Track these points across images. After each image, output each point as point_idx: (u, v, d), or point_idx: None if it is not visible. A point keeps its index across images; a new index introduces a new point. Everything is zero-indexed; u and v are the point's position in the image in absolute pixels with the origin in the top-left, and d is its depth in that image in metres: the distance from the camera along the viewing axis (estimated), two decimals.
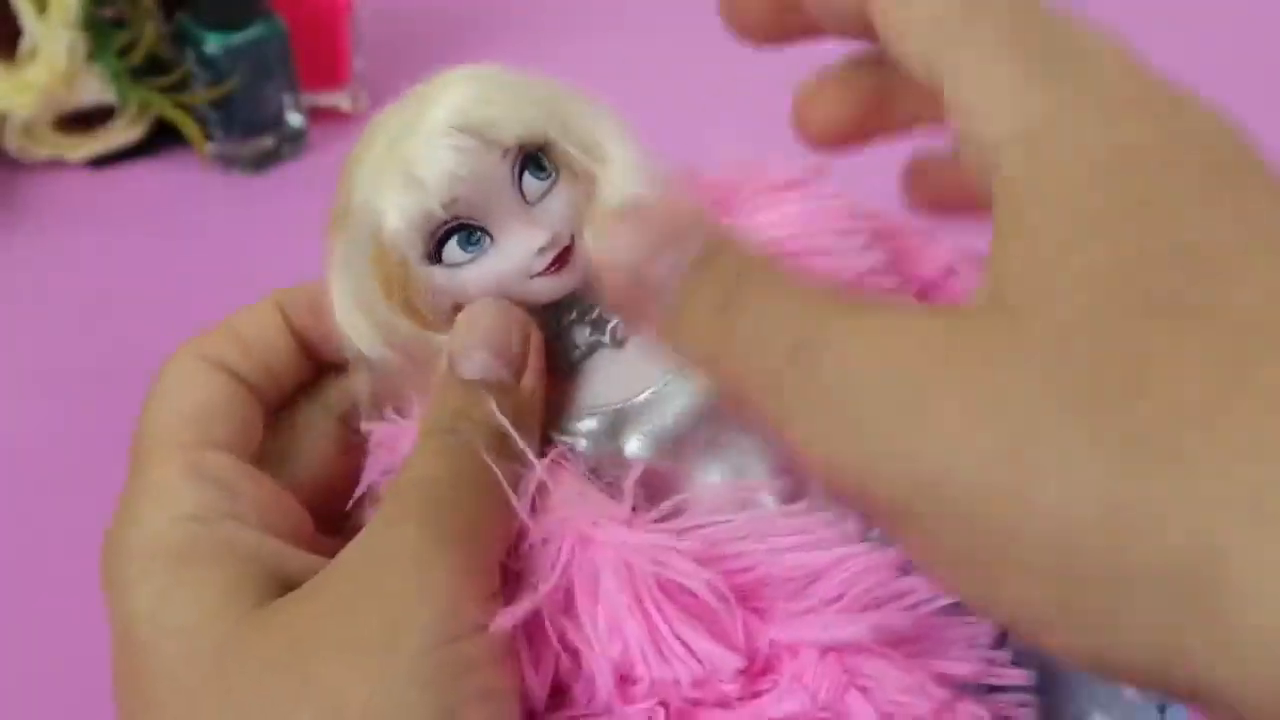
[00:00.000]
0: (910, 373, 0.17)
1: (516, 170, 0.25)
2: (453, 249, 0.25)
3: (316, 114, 0.54)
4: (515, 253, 0.25)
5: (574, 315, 0.26)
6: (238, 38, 0.48)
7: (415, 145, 0.24)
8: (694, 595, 0.23)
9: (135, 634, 0.23)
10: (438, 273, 0.25)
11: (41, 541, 0.38)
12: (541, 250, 0.25)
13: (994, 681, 0.24)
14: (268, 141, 0.52)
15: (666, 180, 0.26)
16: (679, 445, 0.26)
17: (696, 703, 0.23)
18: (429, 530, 0.22)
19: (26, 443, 0.42)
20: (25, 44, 0.48)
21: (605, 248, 0.21)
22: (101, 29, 0.49)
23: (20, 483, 0.40)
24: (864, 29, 0.22)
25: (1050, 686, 0.27)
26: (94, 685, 0.35)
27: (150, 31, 0.49)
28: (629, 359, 0.26)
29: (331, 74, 0.54)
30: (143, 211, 0.51)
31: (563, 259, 0.25)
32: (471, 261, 0.25)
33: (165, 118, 0.51)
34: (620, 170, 0.26)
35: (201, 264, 0.48)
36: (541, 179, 0.25)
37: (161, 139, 0.52)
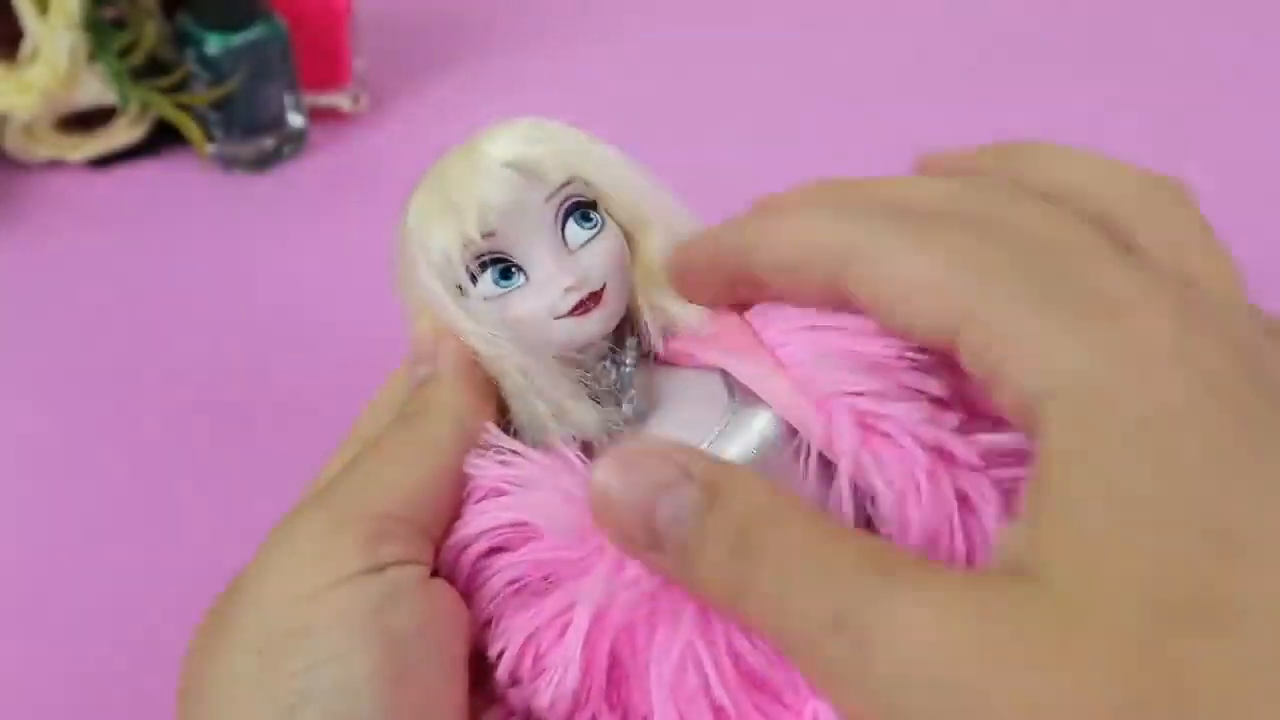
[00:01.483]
0: (964, 679, 0.18)
1: (561, 215, 0.26)
2: (487, 281, 0.26)
3: (317, 114, 0.54)
4: (543, 291, 0.26)
5: (602, 374, 0.27)
6: (238, 38, 0.49)
7: (462, 176, 0.25)
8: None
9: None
10: (473, 302, 0.26)
11: (40, 537, 0.39)
12: (568, 290, 0.25)
13: None
14: (268, 142, 0.52)
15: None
16: None
17: None
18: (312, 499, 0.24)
19: (27, 441, 0.42)
20: (27, 45, 0.48)
21: (603, 490, 0.21)
22: (102, 30, 0.49)
23: (21, 480, 0.41)
24: (836, 297, 0.23)
25: None
26: (86, 683, 0.35)
27: (151, 32, 0.49)
28: (664, 427, 0.26)
29: (332, 74, 0.54)
30: (143, 211, 0.51)
31: (588, 304, 0.26)
32: (503, 295, 0.26)
33: (166, 118, 0.51)
34: (661, 237, 0.27)
35: (201, 264, 0.48)
36: (586, 228, 0.26)
37: (162, 139, 0.52)
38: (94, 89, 0.50)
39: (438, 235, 0.25)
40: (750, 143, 0.55)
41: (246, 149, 0.52)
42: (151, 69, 0.50)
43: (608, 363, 0.27)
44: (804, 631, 0.19)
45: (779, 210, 0.25)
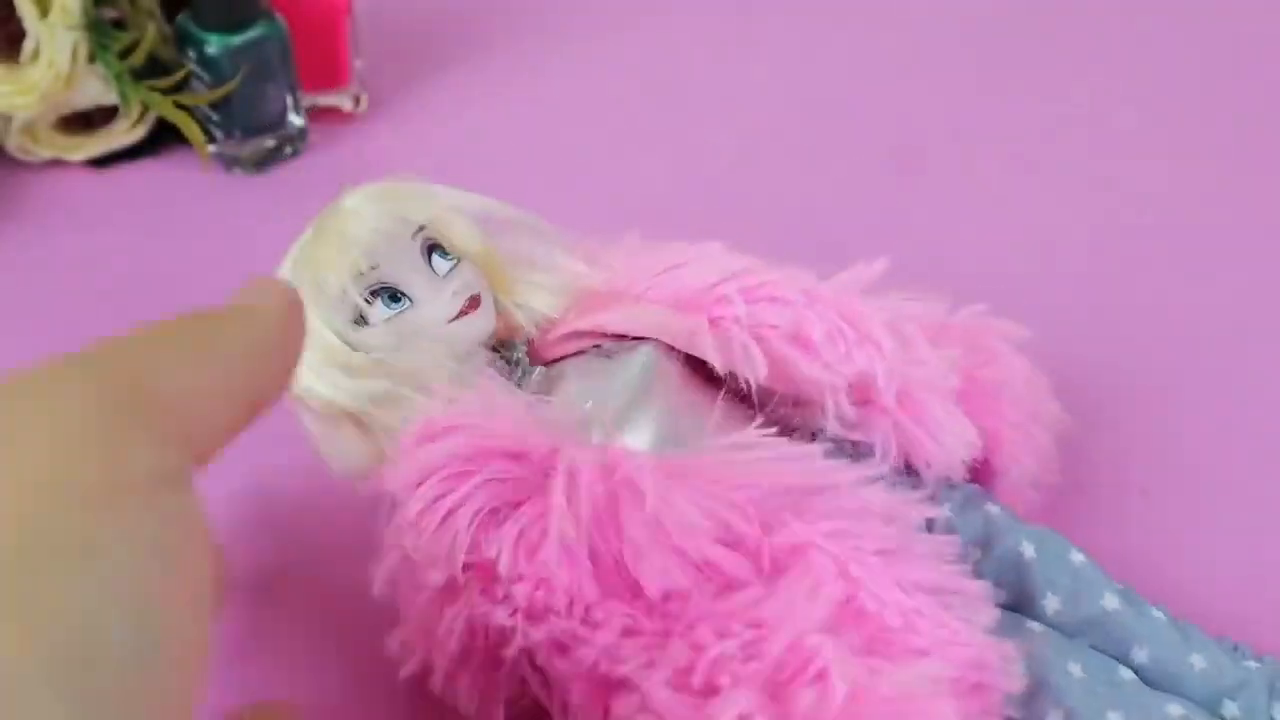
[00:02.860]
0: None
1: (425, 251, 0.32)
2: (379, 307, 0.31)
3: (317, 114, 0.54)
4: (432, 303, 0.31)
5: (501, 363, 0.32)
6: (238, 39, 0.49)
7: (339, 224, 0.31)
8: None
9: None
10: (368, 331, 0.31)
11: None
12: (454, 294, 0.31)
13: (955, 590, 0.27)
14: (269, 142, 0.52)
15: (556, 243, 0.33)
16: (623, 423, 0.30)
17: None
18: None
19: None
20: (28, 45, 0.48)
21: None
22: (103, 30, 0.49)
23: None
24: None
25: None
26: None
27: (151, 33, 0.50)
28: (560, 388, 0.31)
29: (332, 74, 0.54)
30: (143, 211, 0.51)
31: (469, 308, 0.31)
32: (397, 315, 0.31)
33: (166, 119, 0.51)
34: (511, 259, 0.33)
35: (202, 264, 0.48)
36: (448, 260, 0.32)
37: (162, 139, 0.53)
38: (94, 89, 0.50)
39: (332, 273, 0.30)
40: (749, 141, 0.55)
41: (246, 149, 0.52)
42: (152, 69, 0.50)
43: (499, 362, 0.32)
44: None
45: None
